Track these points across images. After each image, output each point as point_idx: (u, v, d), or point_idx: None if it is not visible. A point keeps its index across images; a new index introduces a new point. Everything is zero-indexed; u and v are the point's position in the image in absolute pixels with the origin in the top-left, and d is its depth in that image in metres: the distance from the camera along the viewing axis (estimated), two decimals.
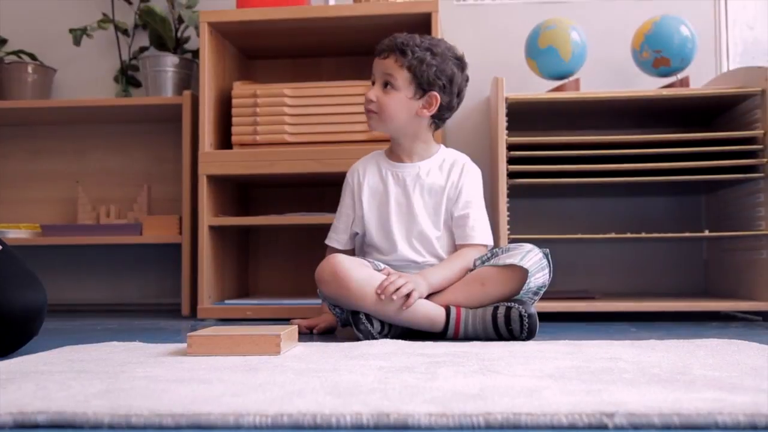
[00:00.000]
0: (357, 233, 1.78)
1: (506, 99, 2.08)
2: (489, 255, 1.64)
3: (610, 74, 2.48)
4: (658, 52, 2.20)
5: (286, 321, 1.86)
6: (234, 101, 2.25)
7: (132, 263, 2.68)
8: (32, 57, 2.65)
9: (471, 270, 1.62)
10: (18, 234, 2.46)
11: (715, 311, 2.16)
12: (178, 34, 2.60)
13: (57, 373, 1.03)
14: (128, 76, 2.70)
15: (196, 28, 2.46)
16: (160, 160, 2.66)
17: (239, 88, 2.26)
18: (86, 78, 2.74)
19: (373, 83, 1.72)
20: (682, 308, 2.02)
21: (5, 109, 2.49)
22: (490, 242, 1.71)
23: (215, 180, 2.24)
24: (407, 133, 1.73)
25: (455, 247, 1.70)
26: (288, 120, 2.21)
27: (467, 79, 1.74)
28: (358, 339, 1.51)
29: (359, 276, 1.52)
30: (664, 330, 1.75)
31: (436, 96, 1.68)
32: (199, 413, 0.75)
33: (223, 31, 2.31)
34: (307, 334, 1.72)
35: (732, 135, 2.05)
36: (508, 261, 1.54)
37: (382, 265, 1.64)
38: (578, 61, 2.23)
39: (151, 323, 2.08)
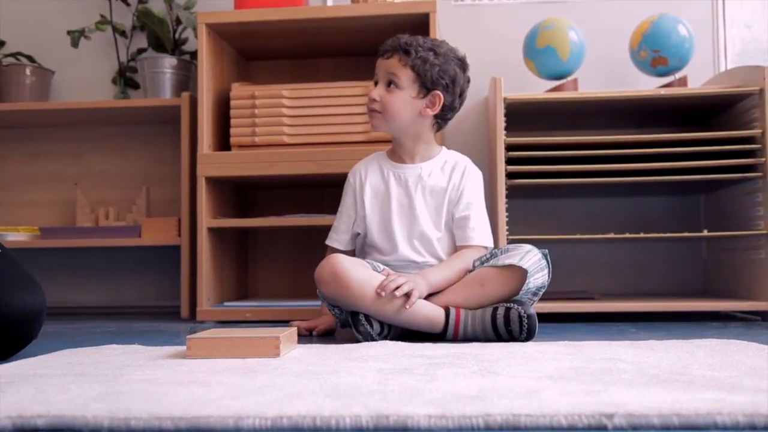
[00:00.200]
0: (358, 234, 1.78)
1: (504, 99, 2.08)
2: (488, 256, 1.64)
3: (608, 74, 2.48)
4: (656, 51, 2.20)
5: (285, 323, 1.86)
6: (232, 102, 2.25)
7: (131, 265, 2.67)
8: (30, 59, 2.65)
9: (470, 271, 1.62)
10: (16, 237, 2.46)
11: (714, 311, 2.16)
12: (176, 36, 2.60)
13: (56, 377, 1.03)
14: (126, 78, 2.70)
15: (194, 29, 2.46)
16: (158, 162, 2.66)
17: (237, 90, 2.26)
18: (84, 80, 2.74)
19: (376, 83, 1.72)
20: (681, 308, 2.02)
21: (3, 111, 2.49)
22: (491, 244, 1.72)
23: (214, 182, 2.24)
24: (410, 133, 1.74)
25: (455, 249, 1.71)
26: (286, 121, 2.21)
27: (469, 80, 1.76)
28: (357, 340, 1.51)
29: (359, 276, 1.52)
30: (663, 330, 1.75)
31: (440, 95, 1.68)
32: (199, 416, 0.75)
33: (221, 33, 2.31)
34: (306, 336, 1.72)
35: (730, 134, 2.05)
36: (507, 261, 1.54)
37: (382, 266, 1.64)
38: (576, 60, 2.23)
39: (150, 326, 2.08)
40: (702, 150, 2.02)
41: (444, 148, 1.81)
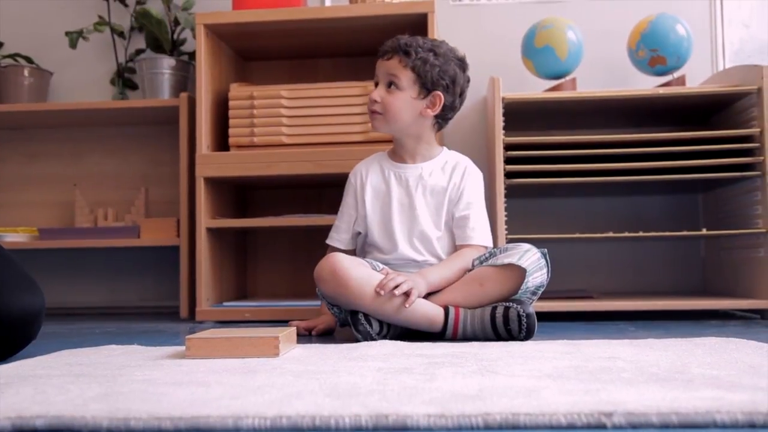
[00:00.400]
0: (359, 233, 1.79)
1: (503, 99, 2.08)
2: (487, 255, 1.65)
3: (607, 73, 2.48)
4: (654, 50, 2.20)
5: (284, 323, 1.86)
6: (231, 103, 2.25)
7: (130, 266, 2.67)
8: (28, 60, 2.65)
9: (469, 270, 1.62)
10: (15, 237, 2.46)
11: (713, 309, 2.16)
12: (175, 37, 2.60)
13: (55, 377, 1.03)
14: (125, 79, 2.70)
15: (193, 30, 2.46)
16: (157, 162, 2.66)
17: (236, 90, 2.26)
18: (83, 81, 2.73)
19: (377, 84, 1.73)
20: (680, 307, 2.02)
21: (2, 112, 2.49)
22: (490, 244, 1.72)
23: (212, 182, 2.24)
24: (411, 133, 1.74)
25: (455, 248, 1.71)
26: (285, 121, 2.21)
27: (469, 80, 1.77)
28: (356, 340, 1.51)
29: (358, 275, 1.52)
30: (662, 329, 1.75)
31: (440, 96, 1.69)
32: (198, 416, 0.75)
33: (219, 33, 2.31)
34: (305, 336, 1.72)
35: (728, 133, 2.05)
36: (506, 261, 1.54)
37: (381, 266, 1.64)
38: (575, 60, 2.23)
39: (150, 326, 2.08)
40: (700, 149, 2.03)
41: (445, 148, 1.82)
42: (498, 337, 1.51)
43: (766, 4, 2.55)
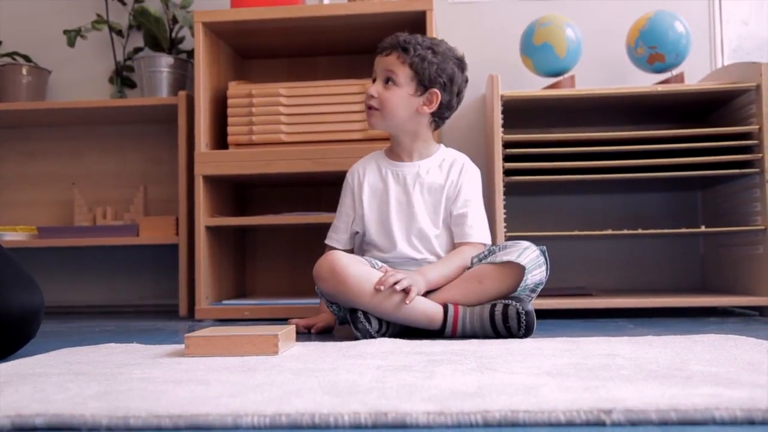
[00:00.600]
0: (357, 232, 1.79)
1: (501, 96, 2.08)
2: (486, 253, 1.65)
3: (605, 71, 2.48)
4: (652, 48, 2.20)
5: (283, 321, 1.86)
6: (229, 101, 2.24)
7: (129, 265, 2.67)
8: (26, 59, 2.65)
9: (468, 268, 1.62)
10: (14, 236, 2.46)
11: (712, 307, 2.17)
12: (173, 35, 2.60)
13: (54, 376, 1.03)
14: (123, 77, 2.69)
15: (191, 28, 2.46)
16: (155, 161, 2.66)
17: (234, 88, 2.26)
18: (81, 79, 2.73)
19: (374, 80, 1.73)
20: (679, 304, 2.02)
21: (0, 111, 2.48)
22: (489, 241, 1.72)
23: (211, 180, 2.24)
24: (407, 130, 1.74)
25: (453, 246, 1.71)
26: (284, 119, 2.21)
27: (467, 80, 1.76)
28: (355, 338, 1.51)
29: (357, 272, 1.52)
30: (661, 326, 1.75)
31: (437, 93, 1.69)
32: (197, 414, 0.75)
33: (217, 31, 2.31)
34: (304, 334, 1.72)
35: (727, 131, 2.05)
36: (505, 258, 1.54)
37: (380, 263, 1.64)
38: (573, 57, 2.23)
39: (149, 324, 2.08)
40: (699, 146, 2.03)
41: (442, 146, 1.82)
42: (497, 335, 1.51)
43: (764, 1, 2.54)
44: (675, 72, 2.25)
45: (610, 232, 2.11)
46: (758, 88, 2.00)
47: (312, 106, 2.21)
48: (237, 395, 0.85)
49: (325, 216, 2.11)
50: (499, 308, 1.52)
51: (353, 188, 1.79)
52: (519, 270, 1.53)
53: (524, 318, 1.49)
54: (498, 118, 2.07)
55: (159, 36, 2.57)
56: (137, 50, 2.68)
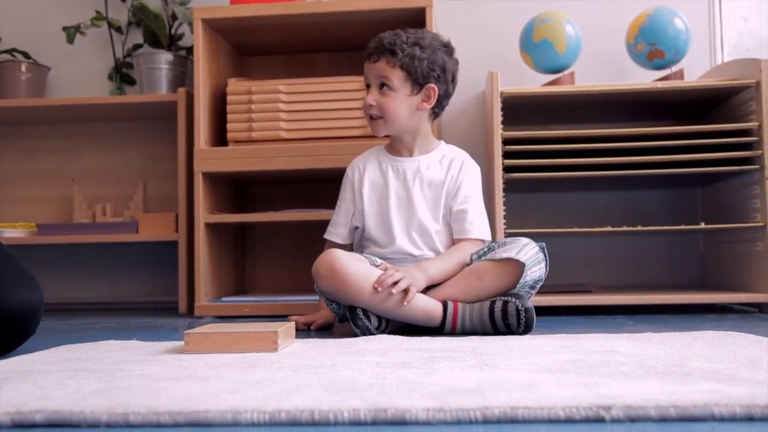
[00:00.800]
0: (357, 227, 1.79)
1: (501, 93, 2.08)
2: (485, 249, 1.65)
3: (605, 67, 2.48)
4: (652, 44, 2.20)
5: (283, 318, 1.86)
6: (229, 98, 2.24)
7: (128, 261, 2.67)
8: (26, 55, 2.64)
9: (468, 264, 1.62)
10: (14, 233, 2.46)
11: (712, 303, 2.17)
12: (172, 31, 2.59)
13: (54, 372, 1.03)
14: (122, 74, 2.69)
15: (190, 24, 2.46)
16: (155, 157, 2.66)
17: (234, 85, 2.26)
18: (80, 76, 2.73)
19: (368, 86, 1.72)
20: (679, 301, 2.02)
21: None
22: (488, 237, 1.72)
23: (211, 177, 2.24)
24: (409, 129, 1.74)
25: (453, 242, 1.71)
26: (283, 116, 2.21)
27: (457, 63, 1.75)
28: (355, 335, 1.51)
29: (356, 270, 1.52)
30: (660, 323, 1.75)
31: (434, 87, 1.68)
32: (197, 411, 0.75)
33: (217, 28, 2.31)
34: (304, 331, 1.72)
35: (727, 127, 2.05)
36: (505, 255, 1.54)
37: (379, 261, 1.64)
38: (573, 54, 2.23)
39: (148, 321, 2.08)
40: (699, 143, 2.02)
41: (442, 142, 1.81)
42: (496, 332, 1.52)
43: None
44: (675, 69, 2.24)
45: (609, 228, 2.11)
46: (758, 84, 2.00)
47: (311, 102, 2.21)
48: (236, 392, 0.85)
49: (324, 213, 2.11)
50: (498, 305, 1.52)
51: (353, 182, 1.79)
52: (518, 267, 1.53)
53: (523, 315, 1.49)
54: (498, 115, 2.07)
55: (158, 33, 2.56)
56: (136, 47, 2.68)
